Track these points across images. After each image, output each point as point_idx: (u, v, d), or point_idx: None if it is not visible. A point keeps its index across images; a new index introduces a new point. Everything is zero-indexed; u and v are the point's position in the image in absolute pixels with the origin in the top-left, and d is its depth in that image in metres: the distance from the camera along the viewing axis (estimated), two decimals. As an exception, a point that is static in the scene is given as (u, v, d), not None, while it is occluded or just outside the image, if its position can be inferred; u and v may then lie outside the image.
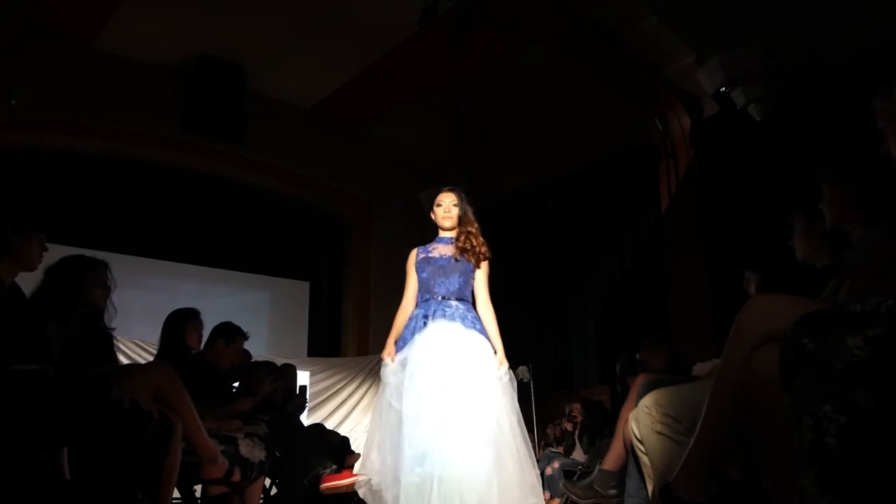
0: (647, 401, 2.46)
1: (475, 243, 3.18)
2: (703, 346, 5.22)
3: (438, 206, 3.26)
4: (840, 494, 1.10)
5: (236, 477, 3.15)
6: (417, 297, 3.18)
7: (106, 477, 2.45)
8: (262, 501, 3.69)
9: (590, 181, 7.68)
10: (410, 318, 3.11)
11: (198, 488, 3.37)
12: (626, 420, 2.70)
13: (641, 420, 2.46)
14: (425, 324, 3.01)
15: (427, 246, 3.27)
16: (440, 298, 3.09)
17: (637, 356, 4.34)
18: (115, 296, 3.01)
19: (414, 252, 3.28)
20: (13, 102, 5.53)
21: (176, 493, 3.04)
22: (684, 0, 5.35)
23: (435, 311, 3.04)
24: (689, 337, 5.88)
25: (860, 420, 1.11)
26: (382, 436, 2.84)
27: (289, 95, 7.45)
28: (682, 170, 6.59)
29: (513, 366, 9.01)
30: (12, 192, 6.07)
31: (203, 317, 3.73)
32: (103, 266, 2.94)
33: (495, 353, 3.08)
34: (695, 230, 6.38)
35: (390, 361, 2.98)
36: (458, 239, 3.20)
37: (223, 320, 3.95)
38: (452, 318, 3.02)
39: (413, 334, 3.01)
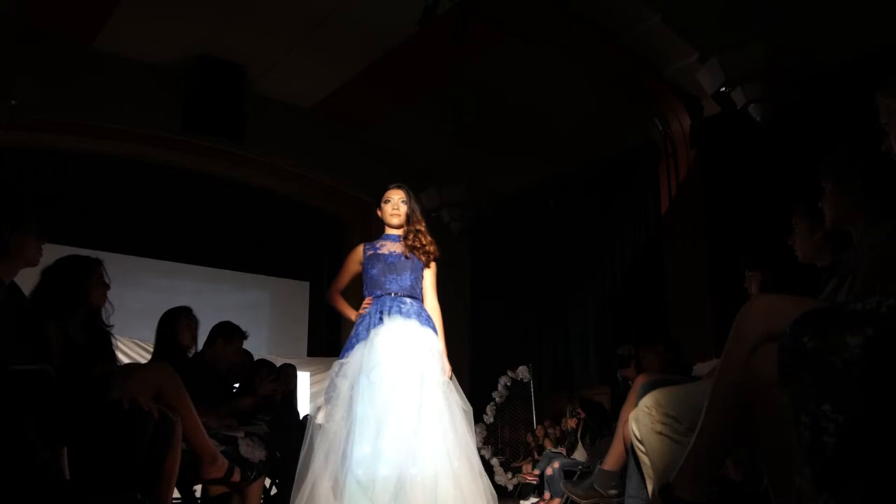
0: (647, 401, 2.46)
1: (424, 241, 3.17)
2: (703, 346, 5.22)
3: (386, 202, 3.23)
4: (838, 494, 1.10)
5: (236, 477, 3.14)
6: (365, 293, 3.15)
7: (106, 477, 2.45)
8: (262, 501, 3.69)
9: (590, 181, 7.68)
10: (363, 316, 3.07)
11: (198, 488, 3.36)
12: (626, 420, 2.70)
13: (641, 420, 2.45)
14: (381, 319, 2.98)
15: (374, 242, 3.24)
16: (393, 295, 3.07)
17: (634, 353, 4.34)
18: (115, 296, 3.02)
19: (360, 248, 3.24)
20: (13, 102, 5.53)
21: (176, 493, 3.04)
22: (685, 0, 5.35)
23: (391, 308, 3.02)
24: (689, 337, 5.88)
25: (859, 420, 1.11)
26: (329, 444, 2.74)
27: (289, 95, 7.45)
28: (682, 170, 6.60)
29: (513, 366, 8.91)
30: (10, 192, 6.07)
31: (203, 316, 3.72)
32: (98, 264, 2.94)
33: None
34: (695, 230, 6.38)
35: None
36: (406, 237, 3.18)
37: (223, 320, 3.95)
38: (408, 316, 3.01)
39: (368, 330, 2.97)
